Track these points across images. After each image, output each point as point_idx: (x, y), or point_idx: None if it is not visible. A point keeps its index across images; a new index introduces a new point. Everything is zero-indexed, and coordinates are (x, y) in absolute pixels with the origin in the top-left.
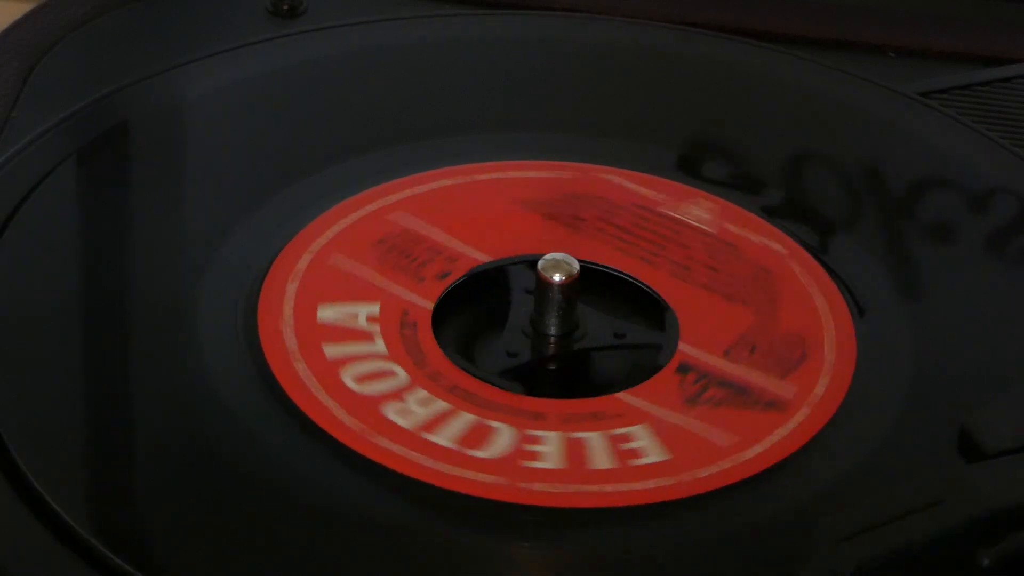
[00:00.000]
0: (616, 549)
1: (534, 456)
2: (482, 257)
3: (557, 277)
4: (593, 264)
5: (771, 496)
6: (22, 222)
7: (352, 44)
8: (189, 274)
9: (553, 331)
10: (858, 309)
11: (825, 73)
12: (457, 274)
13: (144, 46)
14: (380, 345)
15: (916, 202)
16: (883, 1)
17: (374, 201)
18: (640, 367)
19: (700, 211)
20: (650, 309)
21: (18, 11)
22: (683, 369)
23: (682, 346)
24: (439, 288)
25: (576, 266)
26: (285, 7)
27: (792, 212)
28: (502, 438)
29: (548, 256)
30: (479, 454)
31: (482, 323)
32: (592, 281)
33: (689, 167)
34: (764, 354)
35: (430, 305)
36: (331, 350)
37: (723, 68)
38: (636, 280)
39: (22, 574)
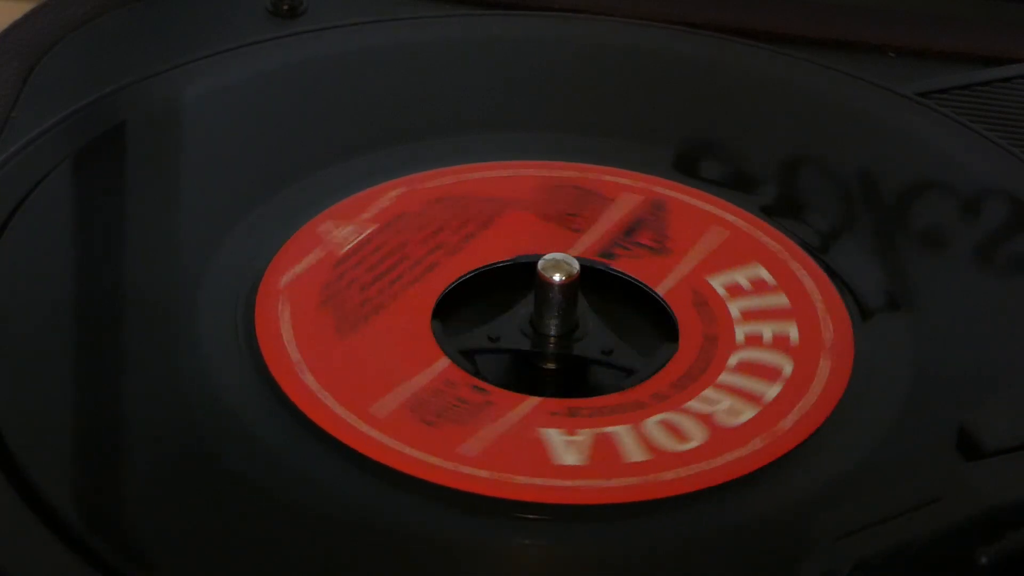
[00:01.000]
0: (670, 541)
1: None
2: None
3: (557, 277)
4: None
5: (770, 495)
6: (22, 222)
7: (352, 44)
8: (189, 274)
9: (553, 331)
10: (858, 309)
11: (825, 73)
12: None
13: (144, 46)
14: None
15: (915, 202)
16: (883, 1)
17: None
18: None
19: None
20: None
21: (18, 11)
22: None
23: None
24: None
25: (576, 266)
26: (285, 7)
27: (792, 212)
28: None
29: (548, 256)
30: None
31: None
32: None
33: (689, 167)
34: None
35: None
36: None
37: (723, 68)
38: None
39: (22, 574)
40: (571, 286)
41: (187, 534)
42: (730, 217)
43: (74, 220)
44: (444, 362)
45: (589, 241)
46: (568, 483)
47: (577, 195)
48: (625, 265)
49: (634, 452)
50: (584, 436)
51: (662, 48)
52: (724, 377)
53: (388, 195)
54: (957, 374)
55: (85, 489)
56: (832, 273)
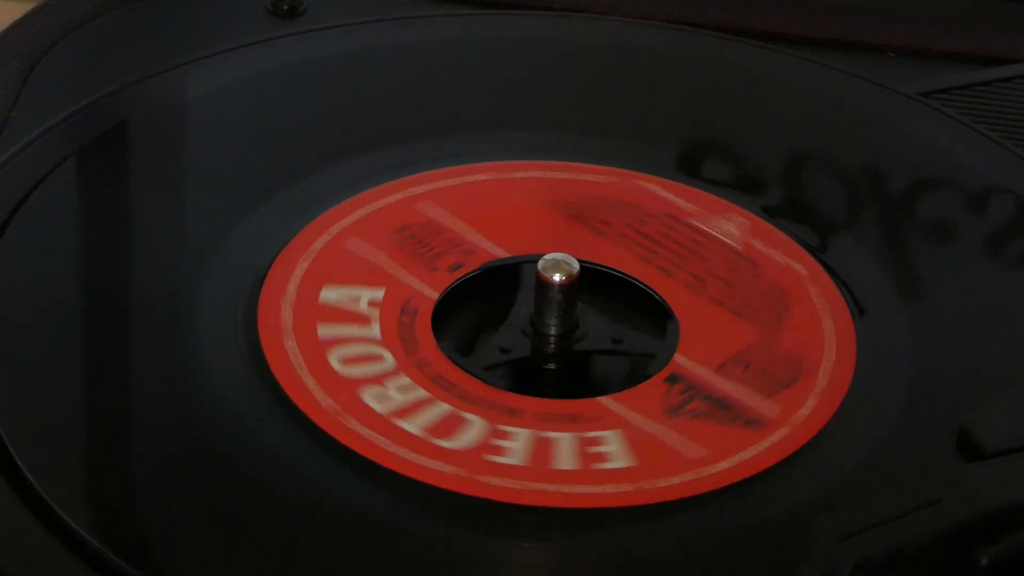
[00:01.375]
0: (565, 550)
1: (499, 451)
2: (500, 253)
3: (557, 277)
4: (600, 266)
5: (771, 496)
6: (22, 222)
7: (352, 44)
8: (189, 274)
9: (552, 331)
10: (858, 309)
11: (825, 73)
12: (470, 267)
13: (144, 46)
14: (375, 330)
15: (916, 202)
16: (883, 1)
17: (401, 191)
18: (631, 374)
19: (731, 226)
20: (653, 317)
21: (18, 11)
22: (673, 379)
23: (677, 357)
24: (449, 279)
25: (576, 266)
26: (285, 7)
27: (792, 212)
28: (472, 430)
29: (548, 256)
30: (445, 444)
31: (484, 318)
32: (598, 283)
33: (689, 167)
34: (757, 372)
35: (435, 295)
36: (324, 330)
37: (723, 68)
38: (645, 285)
39: (22, 574)
40: (571, 286)
41: (187, 533)
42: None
43: (74, 220)
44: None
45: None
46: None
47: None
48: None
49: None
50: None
51: (662, 48)
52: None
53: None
54: (957, 374)
55: (86, 490)
56: (832, 272)
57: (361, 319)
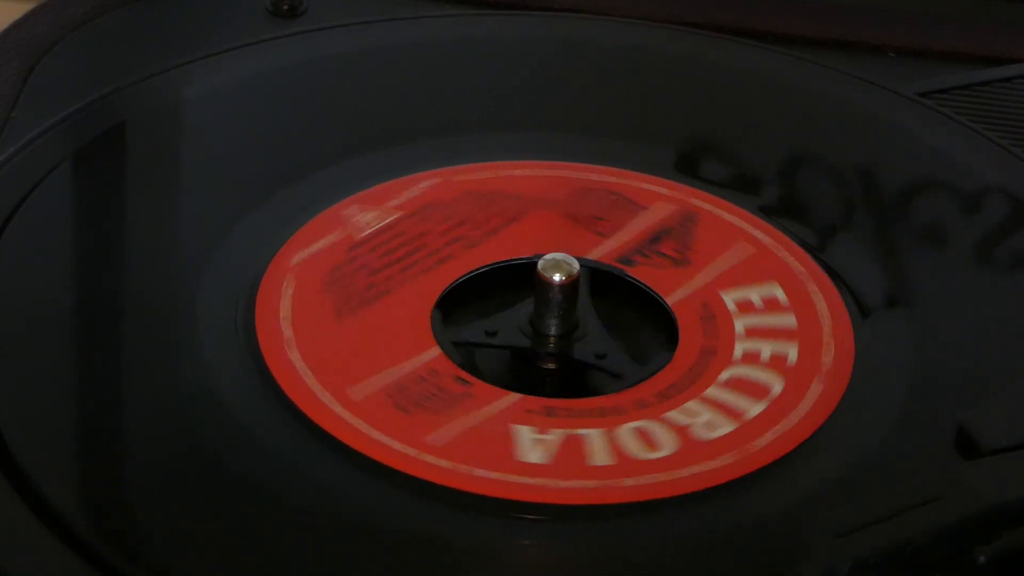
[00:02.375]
0: (671, 540)
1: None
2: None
3: (557, 277)
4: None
5: (768, 494)
6: (22, 222)
7: (352, 44)
8: (188, 274)
9: (553, 331)
10: (858, 309)
11: (825, 73)
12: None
13: (144, 46)
14: None
15: (916, 202)
16: (883, 1)
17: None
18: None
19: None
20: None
21: (18, 11)
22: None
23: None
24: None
25: (576, 266)
26: (285, 7)
27: (792, 212)
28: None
29: (548, 256)
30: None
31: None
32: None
33: (689, 167)
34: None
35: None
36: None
37: (723, 68)
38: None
39: (22, 574)
40: (571, 286)
41: (187, 533)
42: (758, 233)
43: (74, 220)
44: (434, 351)
45: (611, 246)
46: (527, 480)
47: (610, 200)
48: (642, 273)
49: (600, 456)
50: (554, 436)
51: (662, 48)
52: (711, 391)
53: (420, 185)
54: (956, 374)
55: (86, 490)
56: (832, 272)
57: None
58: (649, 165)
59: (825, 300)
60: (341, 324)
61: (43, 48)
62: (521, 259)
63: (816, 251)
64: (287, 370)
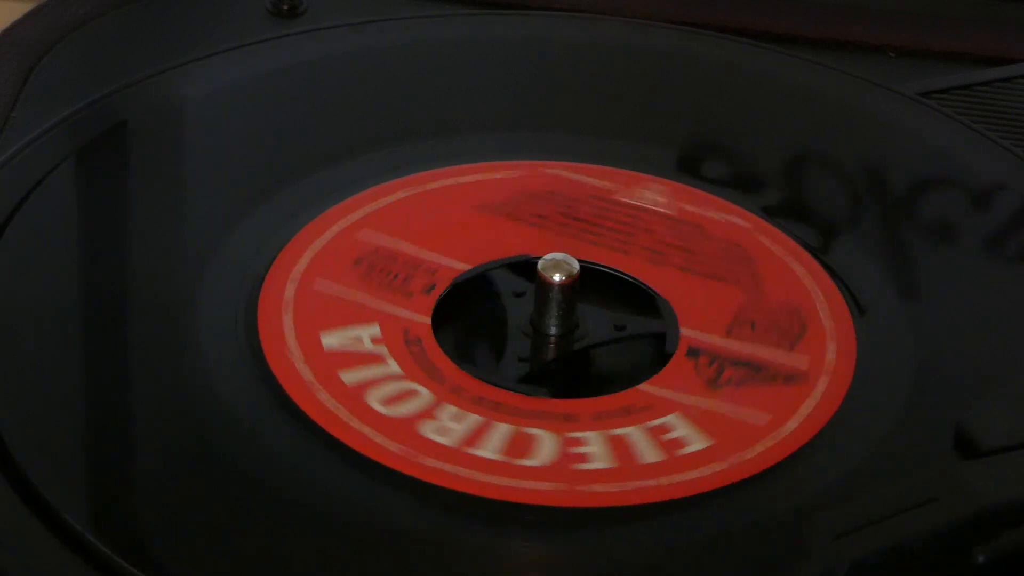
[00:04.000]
0: (679, 539)
1: (583, 458)
2: (460, 266)
3: (557, 277)
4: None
5: (768, 494)
6: (22, 222)
7: (352, 44)
8: (188, 274)
9: (554, 331)
10: (858, 309)
11: (825, 73)
12: (442, 286)
13: (144, 46)
14: (394, 366)
15: (916, 202)
16: (883, 1)
17: (337, 221)
18: (649, 357)
19: (654, 195)
20: (641, 299)
21: (18, 11)
22: (692, 353)
23: (684, 330)
24: (428, 302)
25: (576, 266)
26: (285, 7)
27: (792, 212)
28: (545, 444)
29: (548, 256)
30: (529, 463)
31: (481, 331)
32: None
33: (689, 167)
34: (766, 329)
35: (427, 320)
36: (348, 376)
37: (723, 68)
38: (624, 274)
39: (22, 574)
40: (571, 286)
41: (186, 533)
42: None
43: (75, 220)
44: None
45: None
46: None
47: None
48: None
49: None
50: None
51: (662, 48)
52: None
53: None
54: (956, 373)
55: (86, 489)
56: (832, 272)
57: (375, 358)
58: (645, 165)
59: (825, 300)
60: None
61: (43, 48)
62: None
63: (816, 251)
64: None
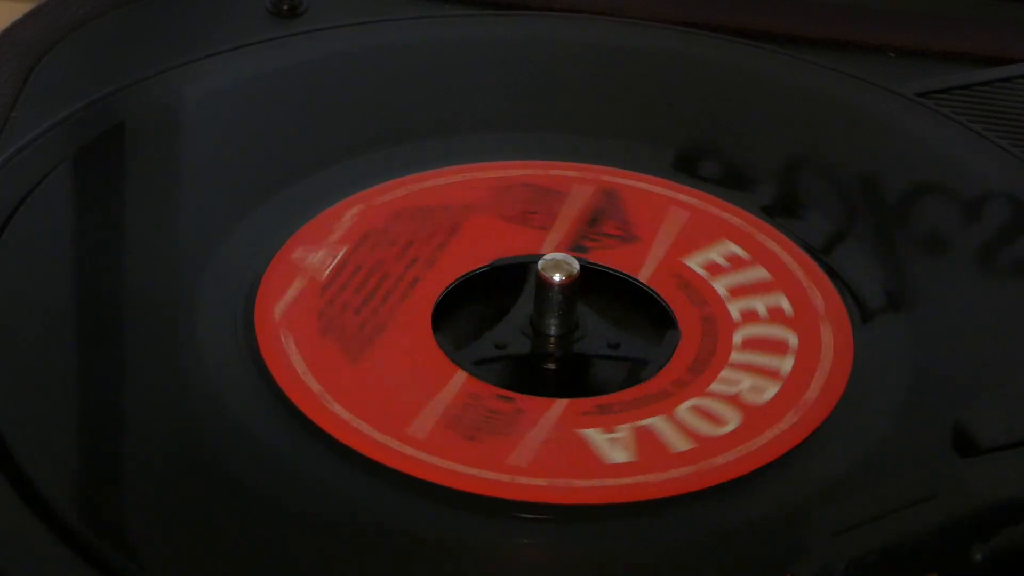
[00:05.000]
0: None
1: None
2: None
3: (557, 277)
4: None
5: (766, 492)
6: (22, 222)
7: (352, 44)
8: (188, 274)
9: (553, 331)
10: (858, 309)
11: (825, 73)
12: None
13: (144, 46)
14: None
15: (915, 203)
16: (883, 1)
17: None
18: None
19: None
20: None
21: (18, 11)
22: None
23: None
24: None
25: (576, 266)
26: (285, 7)
27: (791, 212)
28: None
29: (548, 256)
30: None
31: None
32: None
33: (688, 167)
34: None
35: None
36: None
37: (723, 68)
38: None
39: (22, 574)
40: (571, 286)
41: (187, 534)
42: (685, 198)
43: (74, 220)
44: (461, 375)
45: (557, 237)
46: (625, 480)
47: (530, 193)
48: (599, 257)
49: (678, 442)
50: (624, 432)
51: (662, 48)
52: (735, 356)
53: (348, 214)
54: (955, 373)
55: (85, 489)
56: (832, 272)
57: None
58: (555, 153)
59: (824, 300)
60: (358, 367)
61: (43, 48)
62: (489, 265)
63: (815, 251)
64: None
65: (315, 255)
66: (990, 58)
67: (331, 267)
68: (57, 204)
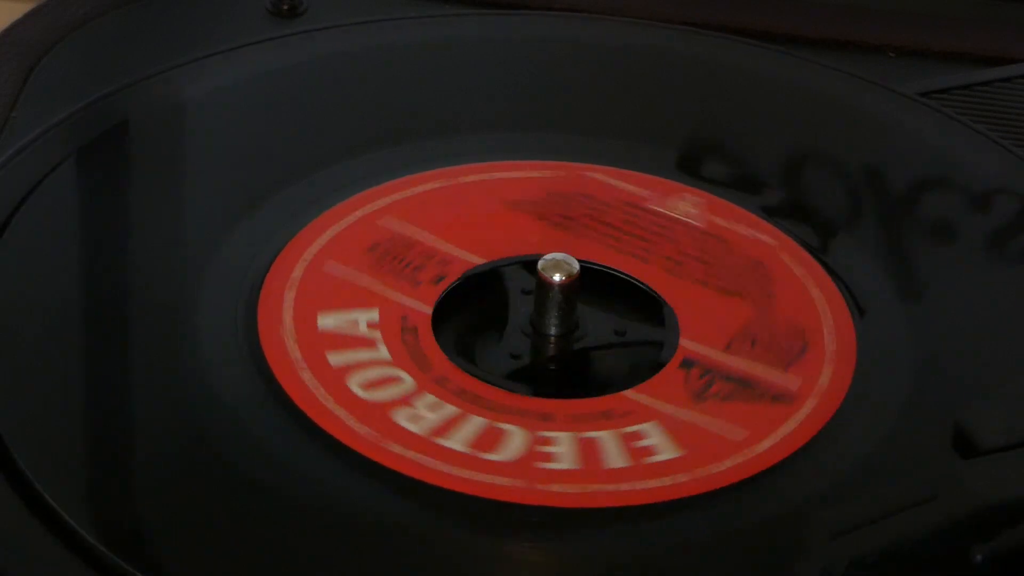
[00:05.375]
0: (634, 547)
1: (548, 457)
2: (475, 260)
3: (557, 277)
4: (589, 263)
5: (767, 494)
6: (22, 222)
7: (352, 44)
8: (188, 274)
9: (553, 331)
10: (858, 309)
11: (825, 73)
12: (452, 277)
13: (144, 46)
14: (383, 351)
15: (916, 202)
16: (883, 1)
17: (363, 207)
18: (644, 364)
19: (687, 206)
20: (648, 306)
21: (18, 11)
22: (687, 364)
23: (683, 341)
24: (436, 292)
25: (576, 266)
26: (285, 7)
27: (792, 212)
28: (514, 440)
29: (548, 256)
30: (493, 457)
31: (482, 325)
32: (589, 280)
33: (689, 167)
34: (765, 347)
35: (428, 309)
36: (335, 358)
37: (723, 68)
38: (632, 278)
39: (22, 574)
40: (571, 286)
41: (187, 534)
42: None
43: (74, 220)
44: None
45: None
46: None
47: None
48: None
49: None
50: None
51: (662, 48)
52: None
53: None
54: (956, 373)
55: (85, 489)
56: (832, 272)
57: (366, 342)
58: (596, 156)
59: (825, 298)
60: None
61: (43, 48)
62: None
63: (816, 251)
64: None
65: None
66: (990, 58)
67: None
68: (57, 204)
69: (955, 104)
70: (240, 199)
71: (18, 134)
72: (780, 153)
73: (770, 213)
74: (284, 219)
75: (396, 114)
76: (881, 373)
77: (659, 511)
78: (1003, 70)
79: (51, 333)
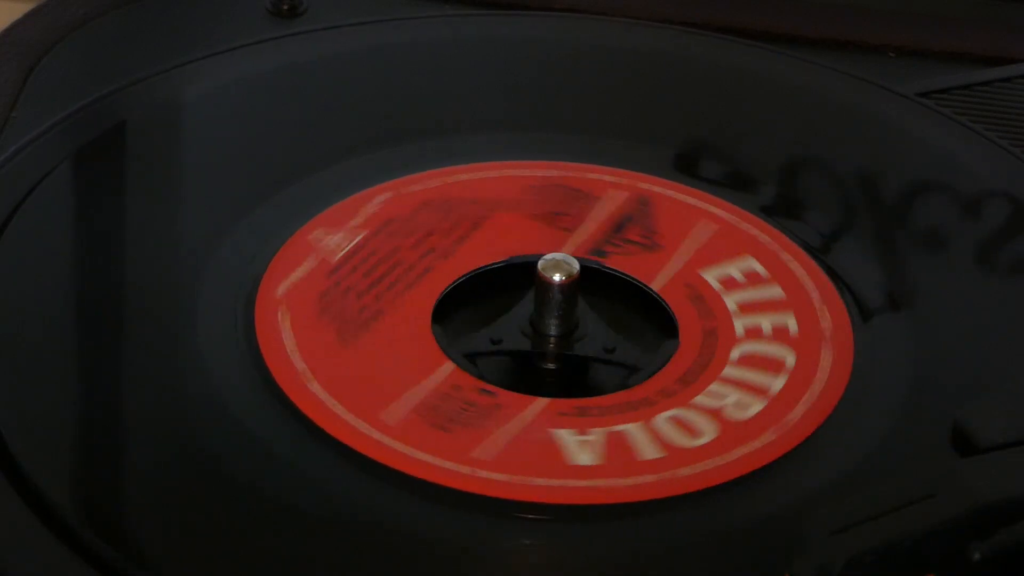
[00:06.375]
0: (631, 543)
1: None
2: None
3: (557, 277)
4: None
5: (766, 492)
6: (22, 222)
7: (352, 44)
8: (188, 274)
9: (553, 331)
10: (858, 308)
11: (825, 73)
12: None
13: (144, 46)
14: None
15: (915, 202)
16: (883, 1)
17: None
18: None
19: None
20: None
21: (18, 11)
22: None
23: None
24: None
25: (576, 266)
26: (285, 7)
27: (791, 212)
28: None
29: (548, 256)
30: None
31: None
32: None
33: (688, 167)
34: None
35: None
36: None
37: (723, 68)
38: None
39: (22, 574)
40: (571, 286)
41: (187, 535)
42: (717, 211)
43: (74, 220)
44: (449, 366)
45: (579, 240)
46: (584, 483)
47: (564, 194)
48: (617, 262)
49: (648, 450)
50: (596, 435)
51: (661, 48)
52: (728, 371)
53: (375, 200)
54: (954, 372)
55: (85, 489)
56: (832, 273)
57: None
58: (597, 156)
59: (824, 300)
60: (348, 350)
61: (43, 48)
62: (502, 262)
63: (816, 251)
64: (311, 400)
65: (333, 237)
66: (990, 58)
67: (345, 250)
68: (57, 204)
69: (955, 104)
70: (239, 199)
71: (18, 134)
72: (780, 153)
73: (770, 213)
74: (283, 219)
75: (396, 114)
76: (880, 371)
77: (637, 510)
78: (1003, 70)
79: (51, 333)
